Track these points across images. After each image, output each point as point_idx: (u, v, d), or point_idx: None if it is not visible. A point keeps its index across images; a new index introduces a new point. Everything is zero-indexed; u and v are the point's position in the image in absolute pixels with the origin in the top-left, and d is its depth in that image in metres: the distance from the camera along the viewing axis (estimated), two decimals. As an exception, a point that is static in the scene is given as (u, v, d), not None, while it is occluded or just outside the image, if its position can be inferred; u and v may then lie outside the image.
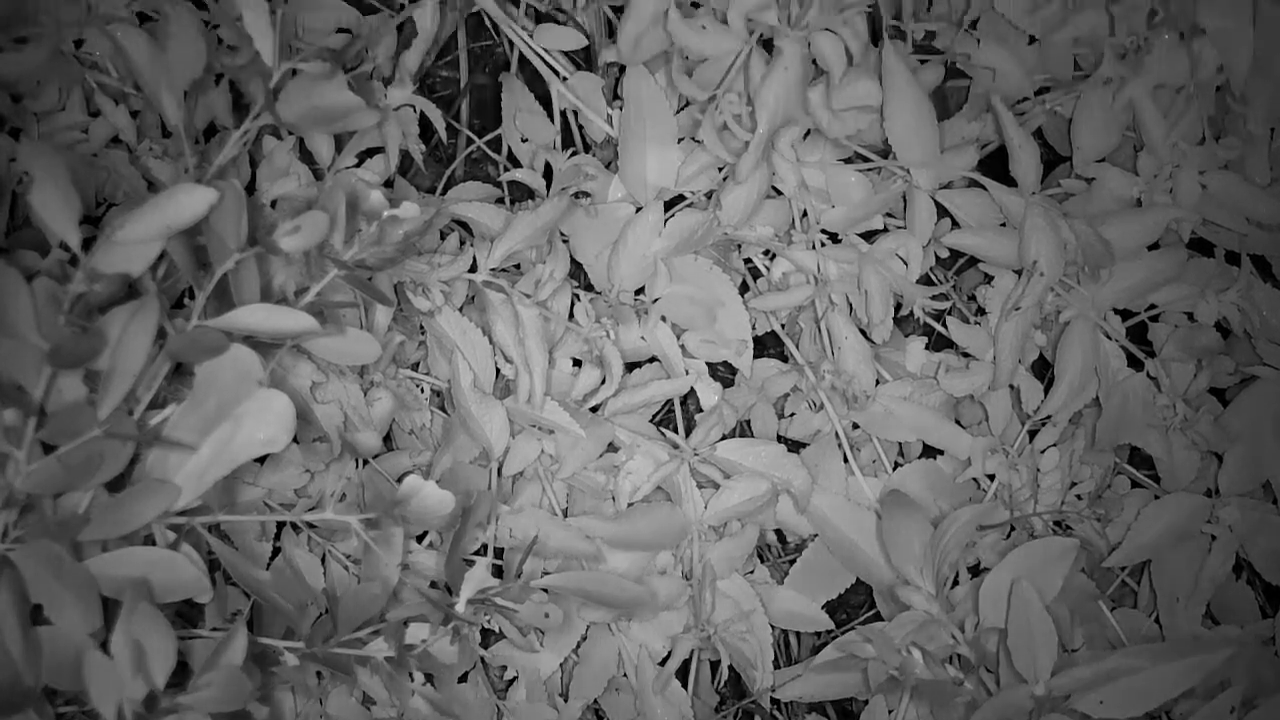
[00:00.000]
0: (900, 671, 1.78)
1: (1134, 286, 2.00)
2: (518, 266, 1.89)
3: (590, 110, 1.96)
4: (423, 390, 1.91)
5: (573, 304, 1.89)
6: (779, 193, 1.93)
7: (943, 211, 1.96)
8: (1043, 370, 2.04)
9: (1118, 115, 2.02)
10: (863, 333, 1.97)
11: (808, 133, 1.92)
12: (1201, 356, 2.05)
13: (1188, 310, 2.07)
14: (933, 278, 2.06)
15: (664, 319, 1.91)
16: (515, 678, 1.95)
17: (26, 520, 1.24)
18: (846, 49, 1.76)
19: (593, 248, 1.92)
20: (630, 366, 1.94)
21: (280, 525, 1.86)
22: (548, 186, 1.95)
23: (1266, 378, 2.05)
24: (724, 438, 1.94)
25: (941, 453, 2.05)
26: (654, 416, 2.00)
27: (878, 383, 2.00)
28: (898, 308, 1.96)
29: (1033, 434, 2.05)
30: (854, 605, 2.22)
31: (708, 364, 1.97)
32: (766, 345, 2.08)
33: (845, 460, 2.02)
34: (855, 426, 2.04)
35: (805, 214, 1.93)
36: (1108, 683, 1.72)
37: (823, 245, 1.93)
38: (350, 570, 1.80)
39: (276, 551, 1.86)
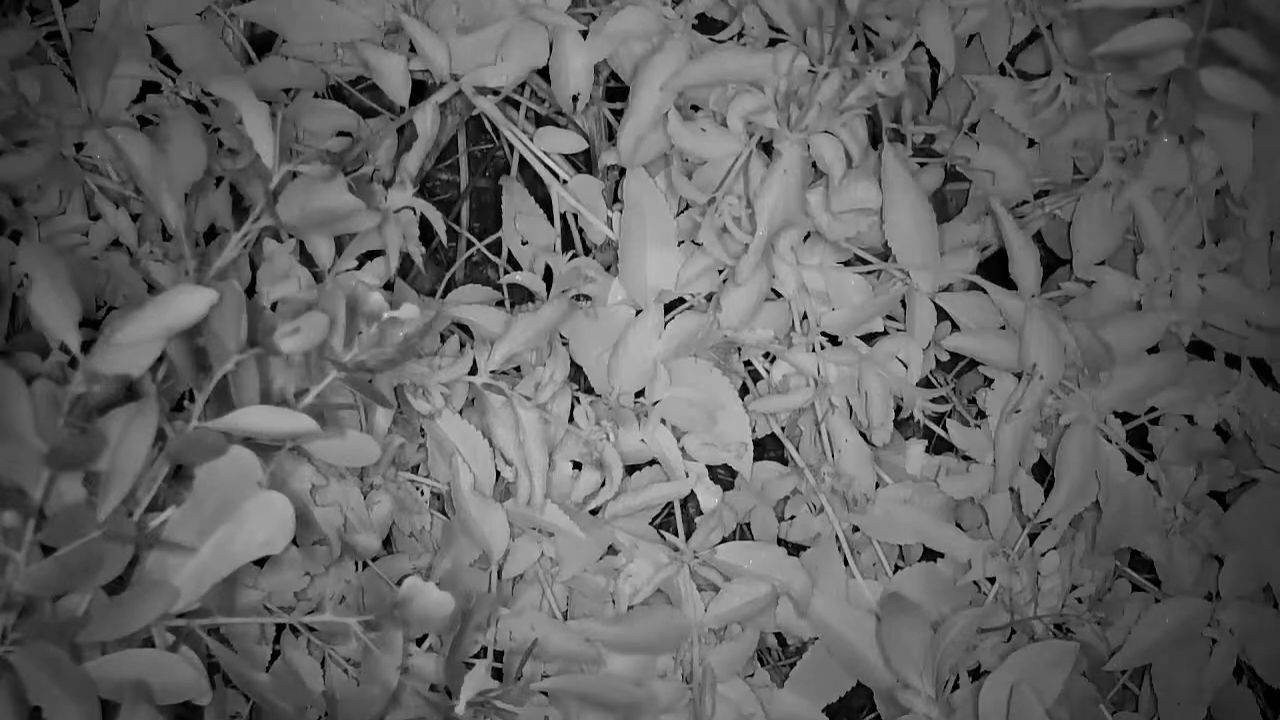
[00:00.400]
0: (902, 775, 1.77)
1: (1134, 390, 2.00)
2: (518, 369, 1.89)
3: (590, 213, 1.97)
4: (423, 493, 1.91)
5: (573, 406, 1.88)
6: (779, 295, 1.93)
7: (943, 314, 1.96)
8: (1043, 473, 2.04)
9: (1117, 218, 2.03)
10: (863, 435, 1.97)
11: (808, 235, 1.92)
12: (1202, 460, 2.05)
13: (1188, 413, 2.07)
14: (933, 380, 2.06)
15: (664, 421, 1.90)
16: (515, 780, 1.94)
17: (25, 622, 1.23)
18: (846, 152, 1.76)
19: (593, 350, 1.92)
20: (630, 469, 1.94)
21: (280, 628, 1.85)
22: (548, 289, 1.95)
23: (1267, 481, 2.05)
24: (724, 540, 1.93)
25: (942, 555, 2.04)
26: (654, 519, 1.99)
27: (878, 485, 2.00)
28: (898, 410, 1.96)
29: (1033, 537, 2.04)
30: (855, 709, 2.20)
31: (708, 466, 1.96)
32: (767, 448, 2.08)
33: (845, 563, 2.01)
34: (855, 529, 2.03)
35: (805, 316, 1.93)
36: (1110, 786, 1.71)
37: (823, 348, 1.93)
38: (350, 673, 1.79)
39: (276, 654, 1.85)
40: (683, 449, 1.93)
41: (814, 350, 1.93)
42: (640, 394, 1.91)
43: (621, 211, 1.89)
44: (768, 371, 2.00)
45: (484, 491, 1.82)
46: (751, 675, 2.03)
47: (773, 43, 1.81)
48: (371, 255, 1.88)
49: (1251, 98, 1.36)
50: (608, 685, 1.68)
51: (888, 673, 1.94)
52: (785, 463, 2.06)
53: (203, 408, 1.30)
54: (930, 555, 2.06)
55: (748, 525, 2.06)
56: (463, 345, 1.87)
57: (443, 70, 1.86)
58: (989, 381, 2.02)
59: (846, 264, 1.95)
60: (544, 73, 1.91)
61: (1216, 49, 1.36)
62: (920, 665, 1.87)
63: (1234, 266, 2.03)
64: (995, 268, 1.99)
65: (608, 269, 1.96)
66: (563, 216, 2.03)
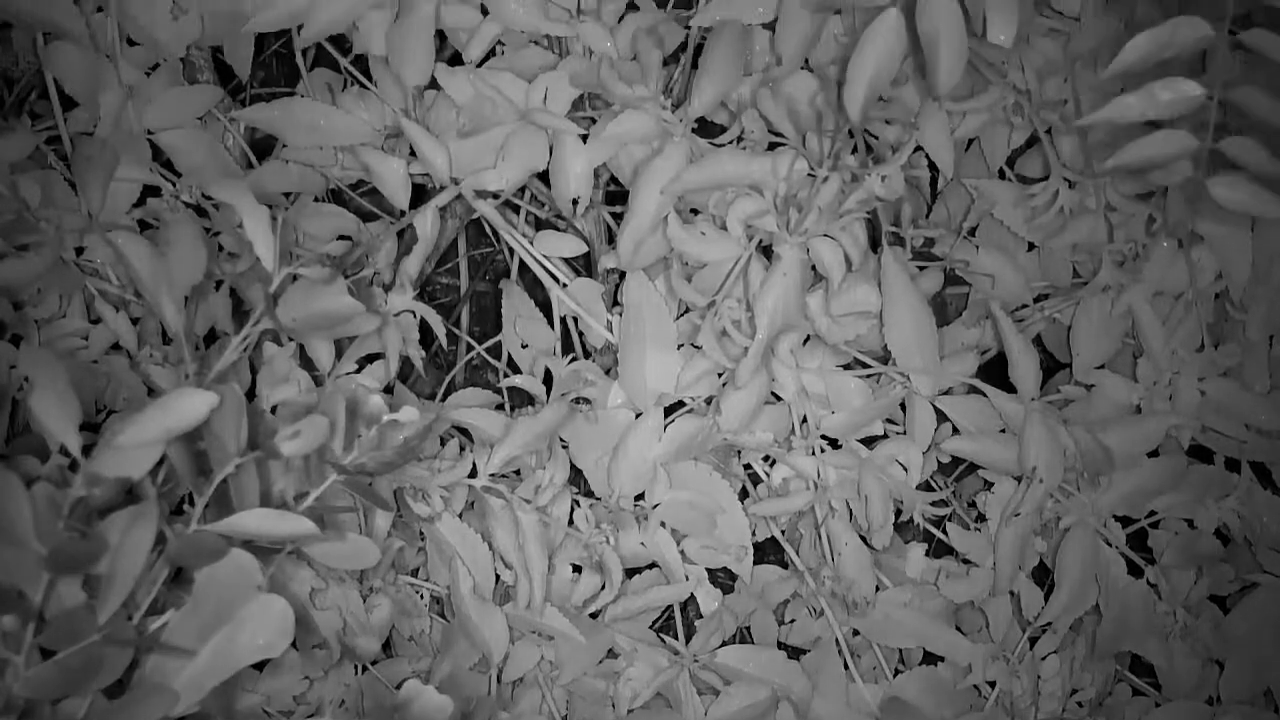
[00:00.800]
0: None
1: (1134, 493, 2.00)
2: (517, 472, 1.89)
3: (590, 316, 1.97)
4: (422, 596, 1.90)
5: (572, 509, 1.88)
6: (779, 398, 1.93)
7: (942, 417, 1.96)
8: (1043, 576, 2.03)
9: (1117, 322, 2.04)
10: (863, 539, 1.97)
11: (807, 338, 1.93)
12: (1202, 564, 2.05)
13: (1188, 517, 2.07)
14: (933, 484, 2.06)
15: (664, 525, 1.90)
16: None
17: (23, 726, 1.23)
18: (845, 255, 1.77)
19: (592, 453, 1.92)
20: (630, 572, 1.94)
21: (279, 731, 1.85)
22: (547, 392, 1.95)
23: (1267, 585, 2.05)
24: (724, 644, 1.93)
25: (942, 659, 2.03)
26: (654, 622, 1.99)
27: (878, 589, 2.00)
28: (898, 513, 1.95)
29: (1033, 640, 2.04)
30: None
31: (707, 570, 1.96)
32: (766, 551, 2.07)
33: (845, 667, 2.01)
34: (855, 633, 2.02)
35: (805, 419, 1.93)
36: None
37: (822, 451, 1.93)
38: (349, 777, 1.78)
39: (276, 758, 1.85)
40: (682, 552, 1.92)
41: (814, 453, 1.93)
42: (640, 497, 1.91)
43: (621, 315, 1.90)
44: (768, 474, 2.00)
45: (484, 595, 1.82)
46: (752, 779, 2.02)
47: (772, 146, 1.82)
48: (371, 358, 1.89)
49: (1262, 204, 1.37)
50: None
51: (889, 777, 1.93)
52: (785, 566, 2.05)
53: (203, 511, 1.29)
54: (931, 659, 2.05)
55: (748, 628, 2.06)
56: (462, 448, 1.87)
57: (443, 174, 1.87)
58: (989, 485, 2.02)
59: (846, 367, 1.95)
60: (544, 176, 1.91)
61: (1223, 157, 1.37)
62: (922, 770, 1.87)
63: (1233, 370, 2.03)
64: (995, 371, 1.99)
65: (607, 372, 1.96)
66: (563, 320, 2.03)
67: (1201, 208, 1.90)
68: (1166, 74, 1.33)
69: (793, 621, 2.05)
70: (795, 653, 1.99)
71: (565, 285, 1.99)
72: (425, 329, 1.92)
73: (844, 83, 1.44)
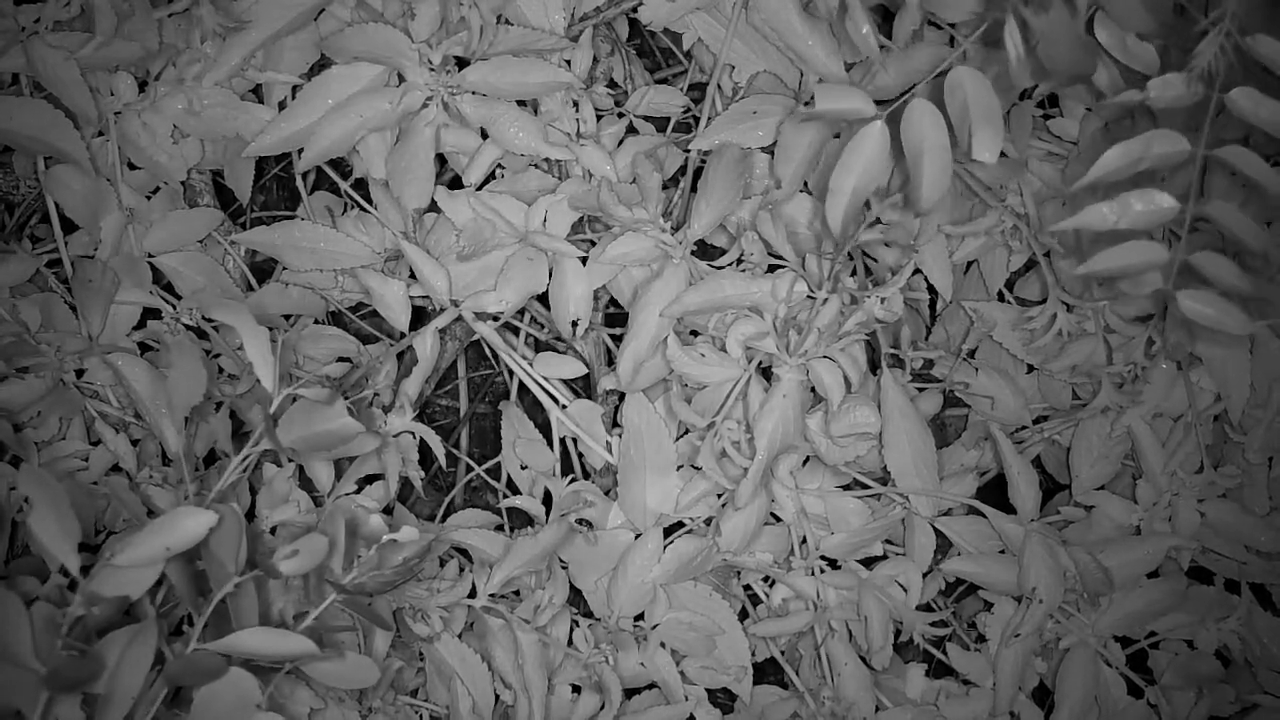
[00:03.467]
0: None
1: (1134, 614, 2.00)
2: (517, 593, 1.89)
3: (589, 438, 1.97)
4: (421, 716, 1.89)
5: (572, 630, 1.88)
6: (778, 519, 1.93)
7: (942, 538, 1.96)
8: (1043, 697, 2.03)
9: (1116, 444, 2.04)
10: (863, 659, 1.96)
11: (807, 459, 1.93)
12: (1202, 685, 2.04)
13: (1188, 638, 2.06)
14: (932, 604, 2.06)
15: (663, 645, 1.90)
16: None
17: None
18: (845, 377, 1.77)
19: (592, 574, 1.91)
20: (629, 693, 1.93)
21: None
22: (547, 513, 1.95)
23: (1268, 707, 2.04)
24: (725, 766, 1.92)
25: (944, 780, 2.03)
26: (654, 744, 1.98)
27: (878, 709, 1.99)
28: (897, 634, 1.95)
29: (1035, 762, 2.03)
30: None
31: (707, 690, 1.95)
32: (766, 671, 2.06)
33: (847, 789, 2.00)
34: (857, 755, 2.02)
35: (804, 540, 1.93)
36: None
37: (822, 572, 1.93)
38: None
39: None
40: (682, 672, 1.92)
41: (813, 574, 1.92)
42: (639, 617, 1.90)
43: (621, 436, 1.90)
44: (767, 595, 2.00)
45: (483, 715, 1.81)
46: None
47: (772, 268, 1.83)
48: (371, 479, 1.89)
49: (1229, 320, 1.37)
50: None
51: None
52: (785, 686, 2.04)
53: (202, 630, 1.29)
54: (932, 780, 2.05)
55: (748, 750, 2.05)
56: (462, 569, 1.87)
57: (443, 296, 1.87)
58: (989, 605, 2.02)
59: (846, 488, 1.95)
60: (543, 298, 1.92)
61: (1194, 272, 1.37)
62: None
63: (1233, 492, 2.04)
64: (994, 492, 1.99)
65: (607, 493, 1.96)
66: (562, 441, 2.04)
67: (1199, 330, 1.91)
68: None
69: (793, 743, 2.04)
70: (796, 775, 1.98)
71: (565, 407, 1.99)
72: (425, 450, 1.92)
73: (826, 193, 1.44)
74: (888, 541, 1.99)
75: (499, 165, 1.91)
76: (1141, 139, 1.32)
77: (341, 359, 1.98)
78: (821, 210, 1.83)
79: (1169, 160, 1.33)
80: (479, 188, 1.90)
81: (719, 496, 1.90)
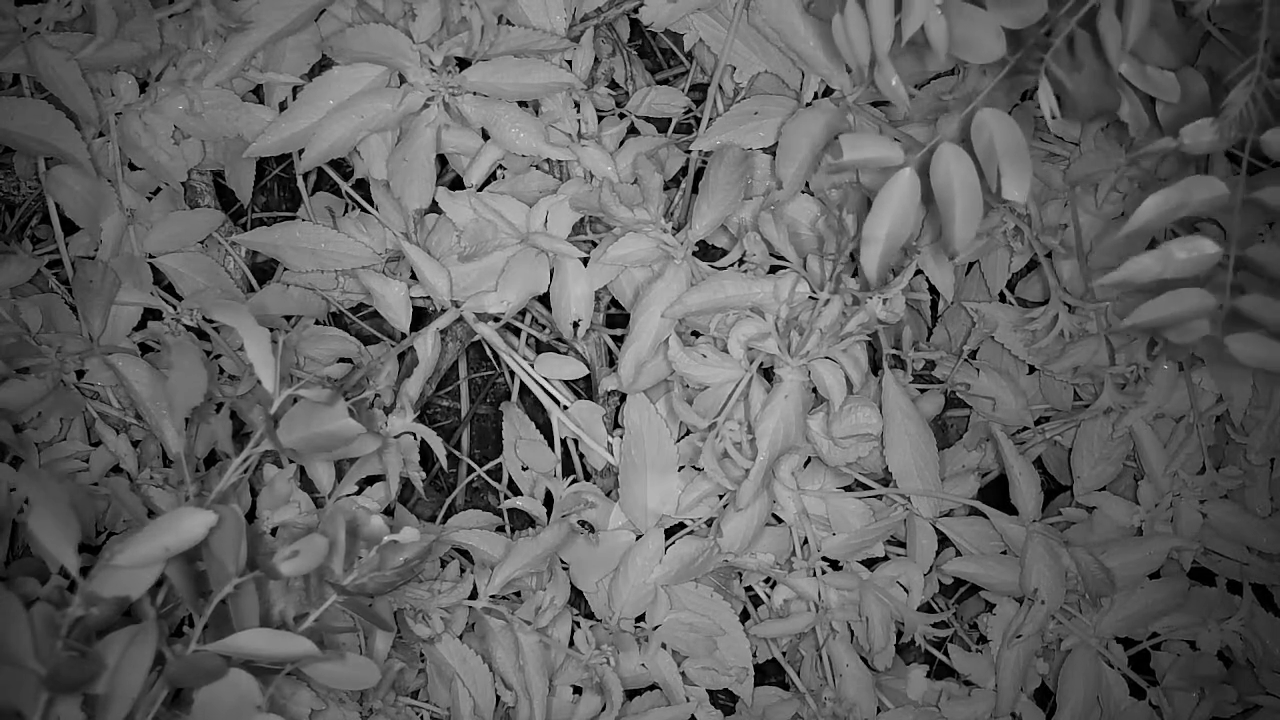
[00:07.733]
0: None
1: (1135, 615, 1.99)
2: (518, 594, 1.88)
3: (591, 438, 1.97)
4: (422, 718, 1.89)
5: (573, 631, 1.88)
6: (779, 520, 1.93)
7: (944, 539, 1.96)
8: (1045, 698, 2.03)
9: (1118, 445, 2.04)
10: (864, 660, 1.96)
11: (808, 460, 1.93)
12: (1204, 685, 2.04)
13: (1190, 639, 2.06)
14: (934, 605, 2.06)
15: (664, 646, 1.90)
16: None
17: None
18: (847, 378, 1.77)
19: (593, 575, 1.91)
20: (630, 694, 1.93)
21: None
22: (548, 514, 1.95)
23: (1270, 707, 2.04)
24: (726, 767, 1.92)
25: (945, 779, 2.03)
26: (655, 745, 1.98)
27: (879, 710, 1.99)
28: (899, 635, 1.95)
29: (1037, 762, 2.03)
30: None
31: (708, 691, 1.95)
32: (767, 673, 2.06)
33: (848, 790, 2.00)
34: (858, 756, 2.02)
35: (806, 541, 1.93)
36: None
37: (824, 572, 1.93)
38: None
39: None
40: (683, 674, 1.92)
41: (815, 575, 1.92)
42: (641, 619, 1.90)
43: (622, 437, 1.90)
44: (768, 596, 1.99)
45: (484, 716, 1.81)
46: None
47: (773, 269, 1.83)
48: (372, 480, 1.89)
49: (1279, 360, 1.36)
50: None
51: None
52: (786, 687, 2.04)
53: (202, 631, 1.29)
54: (933, 778, 2.05)
55: (749, 752, 2.04)
56: (463, 570, 1.87)
57: (444, 297, 1.87)
58: (990, 606, 2.01)
59: (847, 489, 1.95)
60: (544, 299, 1.92)
61: (1241, 316, 1.35)
62: None
63: (1235, 493, 2.03)
64: (996, 493, 1.99)
65: (608, 494, 1.96)
66: (563, 442, 2.03)
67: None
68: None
69: (794, 744, 2.04)
70: (797, 776, 1.98)
71: (566, 408, 1.99)
72: (426, 451, 1.92)
73: (860, 243, 1.43)
74: (889, 542, 1.99)
75: (500, 166, 1.91)
76: (1180, 186, 1.31)
77: (342, 360, 1.98)
78: (823, 212, 1.83)
79: (1210, 206, 1.32)
80: (480, 188, 1.89)
81: (720, 497, 1.90)
